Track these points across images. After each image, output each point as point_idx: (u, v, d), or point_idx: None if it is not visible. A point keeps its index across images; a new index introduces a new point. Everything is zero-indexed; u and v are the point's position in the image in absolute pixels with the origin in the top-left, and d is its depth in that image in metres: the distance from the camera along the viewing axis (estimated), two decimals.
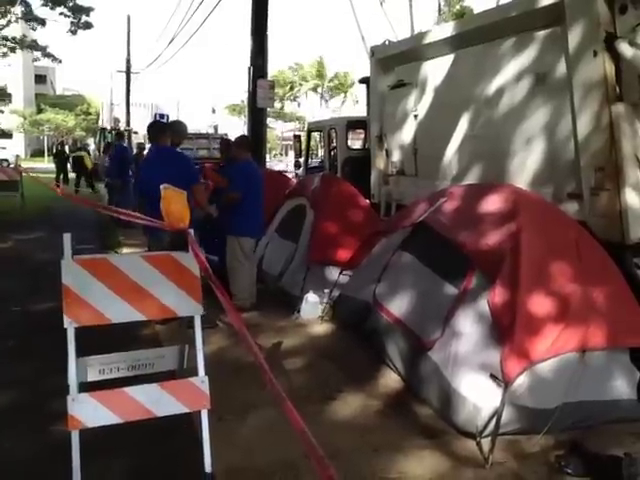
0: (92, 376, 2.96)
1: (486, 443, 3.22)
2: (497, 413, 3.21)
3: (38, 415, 3.56)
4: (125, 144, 13.71)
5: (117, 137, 14.81)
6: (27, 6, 29.58)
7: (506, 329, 3.41)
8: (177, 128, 6.79)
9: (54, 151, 28.31)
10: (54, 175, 22.58)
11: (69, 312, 2.71)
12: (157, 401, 2.77)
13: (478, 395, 3.39)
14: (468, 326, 3.72)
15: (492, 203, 4.21)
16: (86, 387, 2.80)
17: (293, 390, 4.02)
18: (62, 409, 2.65)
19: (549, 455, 3.26)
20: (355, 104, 46.28)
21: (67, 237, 2.71)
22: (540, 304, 3.48)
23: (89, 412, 2.65)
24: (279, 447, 3.18)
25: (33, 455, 3.20)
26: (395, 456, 3.25)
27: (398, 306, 4.53)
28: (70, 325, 2.71)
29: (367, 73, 9.13)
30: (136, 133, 28.95)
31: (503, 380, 3.25)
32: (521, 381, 3.32)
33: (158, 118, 22.47)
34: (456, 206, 4.52)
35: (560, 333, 3.39)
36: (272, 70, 11.01)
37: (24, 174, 14.63)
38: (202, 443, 2.82)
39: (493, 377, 3.34)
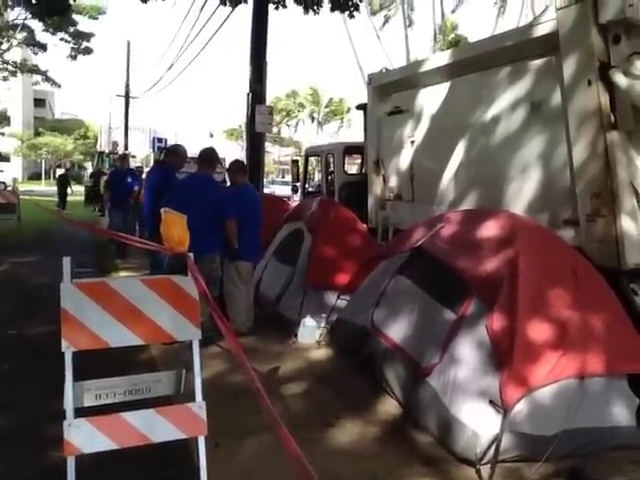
0: (88, 401, 2.93)
1: (485, 470, 3.19)
2: (496, 440, 3.19)
3: (34, 440, 3.52)
4: (120, 168, 12.85)
5: (119, 160, 13.53)
6: (29, 32, 29.98)
7: (505, 355, 3.41)
8: (177, 152, 6.90)
9: (57, 175, 28.28)
10: (53, 198, 22.60)
11: (67, 336, 2.70)
12: (154, 427, 2.75)
13: (477, 422, 3.37)
14: (466, 352, 3.71)
15: (489, 229, 4.24)
16: (82, 412, 2.77)
17: (291, 416, 3.99)
18: (58, 434, 2.62)
19: None
20: (348, 128, 46.80)
21: (67, 260, 2.71)
22: (538, 330, 3.49)
23: (85, 438, 2.62)
24: (276, 473, 3.15)
25: None
26: None
27: (396, 331, 4.52)
28: (68, 349, 2.69)
29: (363, 99, 9.26)
30: (134, 157, 29.07)
31: (502, 407, 3.23)
32: (520, 407, 3.30)
33: (157, 142, 22.55)
34: (454, 231, 4.55)
35: (559, 359, 3.38)
36: (269, 97, 11.13)
37: (25, 197, 14.66)
38: (199, 469, 2.79)
39: (492, 403, 3.32)
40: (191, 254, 3.01)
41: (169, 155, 6.94)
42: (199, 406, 2.81)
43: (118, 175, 11.65)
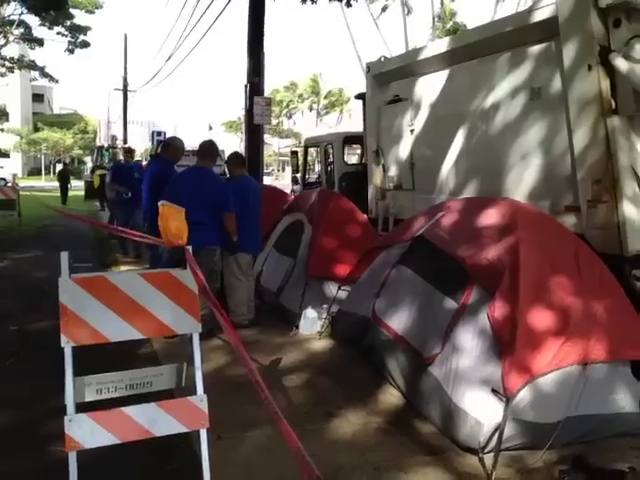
0: (89, 396, 2.92)
1: (489, 459, 3.18)
2: (499, 428, 3.18)
3: (35, 436, 3.52)
4: (126, 162, 11.52)
5: (126, 153, 12.50)
6: (26, 27, 29.86)
7: (507, 343, 3.39)
8: (174, 145, 6.86)
9: (57, 170, 28.08)
10: (53, 194, 22.58)
11: (66, 331, 2.69)
12: (155, 421, 2.74)
13: (480, 410, 3.36)
14: (468, 341, 3.69)
15: (490, 217, 4.21)
16: (84, 407, 2.76)
17: (293, 407, 3.99)
18: (59, 430, 2.62)
19: (553, 470, 3.22)
20: (349, 118, 46.65)
21: (64, 255, 2.69)
22: (540, 317, 3.47)
23: (87, 433, 2.61)
24: (279, 465, 3.14)
25: (30, 476, 3.14)
26: (397, 474, 3.21)
27: (397, 321, 4.51)
28: (67, 344, 2.68)
29: (362, 89, 9.20)
30: (133, 150, 28.94)
31: (505, 395, 3.22)
32: (523, 395, 3.29)
33: (156, 136, 22.42)
34: (454, 220, 4.52)
35: (561, 346, 3.37)
36: (268, 88, 11.01)
37: (25, 193, 14.59)
38: (201, 462, 2.78)
39: (495, 392, 3.31)
40: (189, 247, 2.99)
41: (166, 148, 6.91)
42: (200, 399, 2.81)
43: (124, 169, 10.81)
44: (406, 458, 3.37)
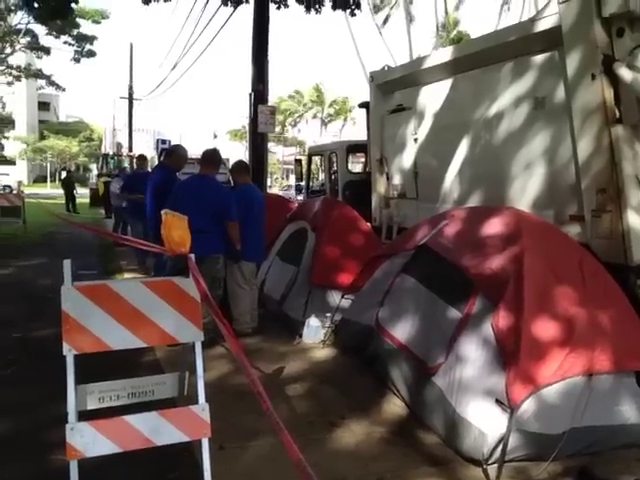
0: (92, 404, 2.91)
1: (493, 470, 3.16)
2: (503, 439, 3.15)
3: (37, 443, 3.50)
4: (138, 170, 11.08)
5: (138, 161, 11.91)
6: (33, 36, 30.16)
7: (511, 353, 3.37)
8: (177, 152, 6.89)
9: (62, 177, 28.16)
10: (57, 201, 22.70)
11: (68, 339, 2.68)
12: (157, 430, 2.73)
13: (484, 421, 3.33)
14: (472, 351, 3.67)
15: (494, 226, 4.20)
16: (86, 415, 2.75)
17: (295, 417, 3.97)
18: (61, 437, 2.61)
19: None
20: (353, 125, 46.73)
21: (67, 263, 2.70)
22: (545, 328, 3.45)
23: (88, 441, 2.60)
24: (281, 476, 3.10)
25: None
26: None
27: (401, 330, 4.49)
28: (69, 352, 2.68)
29: (366, 98, 9.22)
30: (145, 157, 29.03)
31: (509, 405, 3.20)
32: (527, 406, 3.27)
33: (160, 144, 22.46)
34: (458, 229, 4.51)
35: (566, 357, 3.35)
36: (272, 97, 11.04)
37: (31, 200, 14.63)
38: (203, 472, 2.76)
39: (499, 402, 3.29)
40: (192, 255, 2.98)
41: (169, 156, 6.93)
42: (202, 408, 2.79)
43: (137, 177, 10.20)
44: (409, 469, 3.34)
